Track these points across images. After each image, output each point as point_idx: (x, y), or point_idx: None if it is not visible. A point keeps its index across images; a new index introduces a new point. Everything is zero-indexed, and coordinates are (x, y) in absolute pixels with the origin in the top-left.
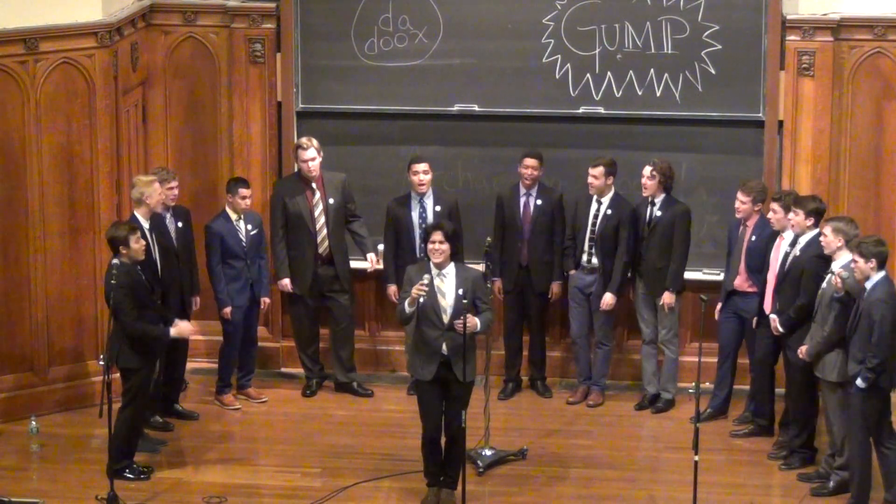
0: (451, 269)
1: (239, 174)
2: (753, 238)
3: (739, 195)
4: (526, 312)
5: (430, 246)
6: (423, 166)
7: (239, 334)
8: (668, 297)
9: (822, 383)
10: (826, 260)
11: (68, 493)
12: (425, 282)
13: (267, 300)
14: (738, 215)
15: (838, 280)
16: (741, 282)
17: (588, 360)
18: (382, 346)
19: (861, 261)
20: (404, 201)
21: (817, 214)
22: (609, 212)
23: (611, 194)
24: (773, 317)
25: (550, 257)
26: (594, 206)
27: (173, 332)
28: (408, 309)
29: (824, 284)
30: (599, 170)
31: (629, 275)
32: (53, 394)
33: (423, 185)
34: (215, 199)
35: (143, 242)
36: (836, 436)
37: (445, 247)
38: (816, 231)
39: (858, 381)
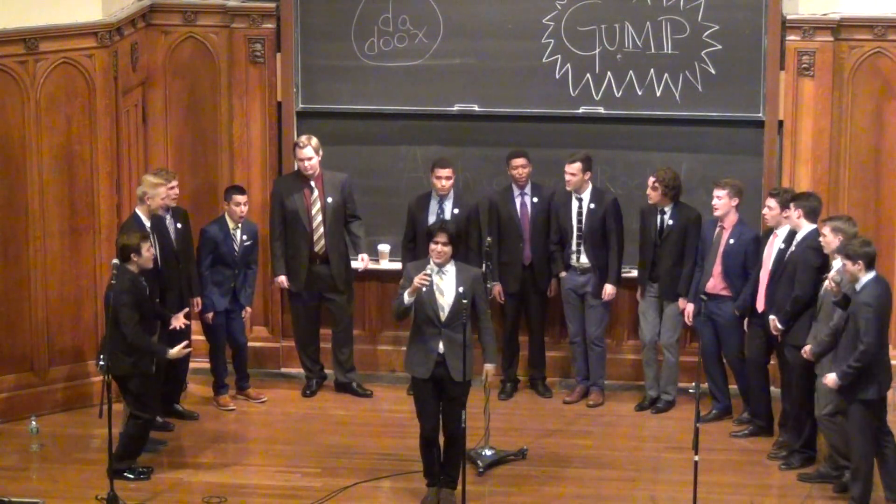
0: (450, 267)
1: (239, 174)
2: (731, 241)
3: (715, 192)
4: (525, 312)
5: (432, 246)
6: (445, 172)
7: (221, 336)
8: (683, 303)
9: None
10: (820, 251)
11: (68, 493)
12: (428, 271)
13: (249, 309)
14: (716, 213)
15: (832, 284)
16: (714, 285)
17: (586, 360)
18: (382, 346)
19: (849, 263)
20: (425, 201)
21: (811, 213)
22: (592, 206)
23: (589, 189)
24: (771, 318)
25: (549, 254)
26: (575, 203)
27: (172, 353)
28: (407, 298)
29: (826, 283)
30: (577, 165)
31: (638, 277)
32: (53, 394)
33: (443, 189)
34: (215, 200)
35: (153, 251)
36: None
37: (447, 249)
38: (812, 227)
39: (833, 377)
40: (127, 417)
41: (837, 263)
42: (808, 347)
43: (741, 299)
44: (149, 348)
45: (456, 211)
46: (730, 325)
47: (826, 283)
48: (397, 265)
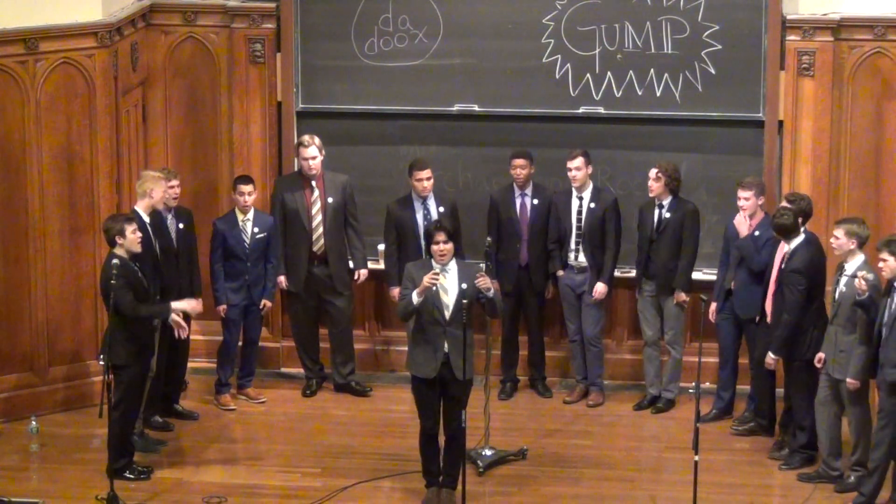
0: (452, 265)
1: (239, 174)
2: (756, 233)
3: (741, 193)
4: (524, 313)
5: (434, 247)
6: (425, 173)
7: (236, 334)
8: (679, 296)
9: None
10: (805, 274)
11: (68, 493)
12: (437, 270)
13: (268, 303)
14: (745, 213)
15: (863, 283)
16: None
17: (585, 358)
18: (382, 346)
19: (891, 259)
20: (406, 203)
21: (805, 216)
22: (592, 205)
23: (590, 188)
24: (769, 357)
25: (547, 256)
26: (575, 202)
27: (175, 305)
28: (416, 299)
29: (842, 287)
30: (580, 160)
31: (635, 275)
32: (53, 394)
33: (425, 190)
34: (215, 199)
35: (140, 234)
36: (852, 434)
37: (449, 246)
38: (801, 238)
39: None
40: (109, 415)
41: (853, 265)
42: (849, 380)
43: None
44: (151, 314)
45: (441, 209)
46: (755, 324)
47: (845, 282)
48: None
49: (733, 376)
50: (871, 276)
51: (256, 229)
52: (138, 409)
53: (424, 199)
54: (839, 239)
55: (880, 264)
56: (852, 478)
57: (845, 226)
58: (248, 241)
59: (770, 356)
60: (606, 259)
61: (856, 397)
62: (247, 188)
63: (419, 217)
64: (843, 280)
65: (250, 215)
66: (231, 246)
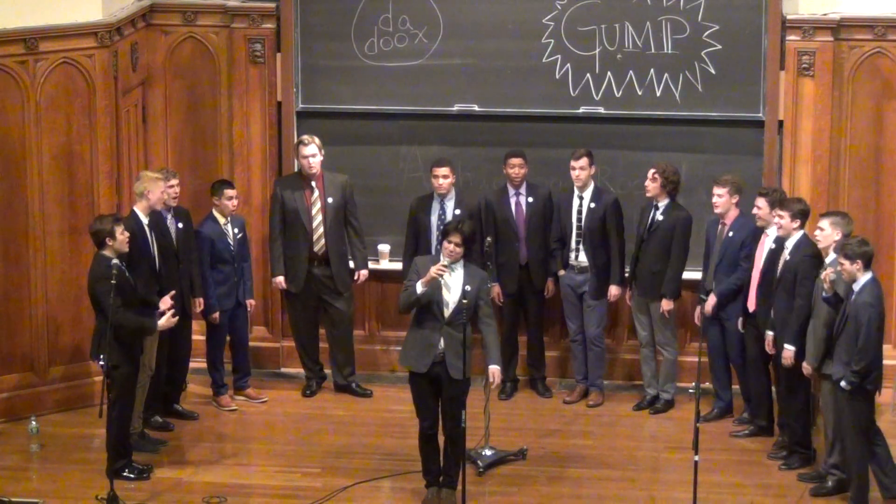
0: (459, 266)
1: (239, 174)
2: (731, 234)
3: (715, 190)
4: (524, 312)
5: (446, 245)
6: (442, 171)
7: (224, 337)
8: (665, 304)
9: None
10: (819, 259)
11: (68, 493)
12: (445, 262)
13: (252, 302)
14: (717, 210)
15: (827, 280)
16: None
17: (586, 359)
18: (382, 346)
19: (846, 262)
20: (426, 201)
21: (803, 216)
22: (593, 205)
23: (591, 187)
24: (769, 334)
25: (546, 254)
26: (576, 201)
27: (161, 323)
28: (420, 289)
29: (823, 274)
30: (585, 161)
31: (626, 275)
32: (53, 394)
33: (441, 188)
34: None
35: (128, 234)
36: (829, 434)
37: (461, 249)
38: (802, 233)
39: (843, 384)
40: (107, 415)
41: (832, 257)
42: (805, 364)
43: (721, 289)
44: (137, 325)
45: (458, 211)
46: (735, 328)
47: (822, 275)
48: (397, 265)
49: (727, 375)
50: (833, 276)
51: (236, 230)
52: (133, 407)
53: (443, 199)
54: (824, 230)
55: (838, 267)
56: (829, 482)
57: (831, 218)
58: (232, 243)
59: (788, 348)
60: (612, 260)
61: (830, 399)
62: (233, 192)
63: (434, 217)
64: (821, 274)
65: (228, 217)
66: (219, 250)
